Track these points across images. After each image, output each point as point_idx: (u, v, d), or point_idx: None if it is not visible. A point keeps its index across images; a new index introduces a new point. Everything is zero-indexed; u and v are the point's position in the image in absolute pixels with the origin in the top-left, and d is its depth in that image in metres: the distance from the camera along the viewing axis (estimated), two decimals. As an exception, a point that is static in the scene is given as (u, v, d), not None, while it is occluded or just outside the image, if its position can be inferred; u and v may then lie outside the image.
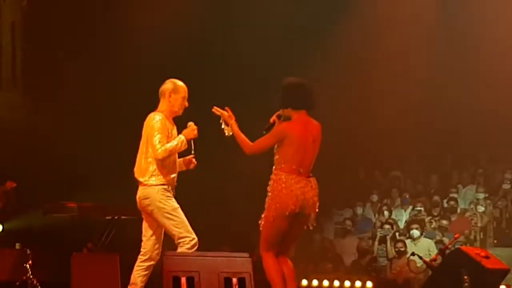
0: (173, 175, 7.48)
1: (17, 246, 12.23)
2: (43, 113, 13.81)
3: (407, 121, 15.42)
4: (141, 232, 11.74)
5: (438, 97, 15.39)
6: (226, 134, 7.28)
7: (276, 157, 6.98)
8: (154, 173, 7.40)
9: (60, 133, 13.55)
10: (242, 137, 7.15)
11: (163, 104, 7.60)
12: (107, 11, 14.63)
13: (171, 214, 7.28)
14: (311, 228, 7.04)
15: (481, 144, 15.19)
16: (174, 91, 7.57)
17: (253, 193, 13.76)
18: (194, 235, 7.29)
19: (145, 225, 7.53)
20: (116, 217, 10.62)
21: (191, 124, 7.59)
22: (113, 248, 10.43)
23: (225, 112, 7.27)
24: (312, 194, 6.91)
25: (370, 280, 12.64)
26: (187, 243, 7.19)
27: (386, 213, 14.45)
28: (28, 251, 11.48)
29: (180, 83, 7.63)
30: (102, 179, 12.87)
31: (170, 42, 14.22)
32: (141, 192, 7.45)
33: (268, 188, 6.96)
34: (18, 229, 12.76)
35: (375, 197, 15.20)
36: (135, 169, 7.55)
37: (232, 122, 7.21)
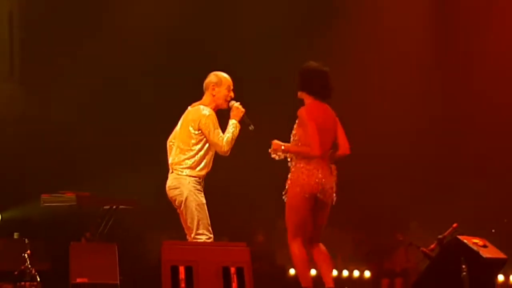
0: (206, 171, 7.41)
1: (16, 235, 12.23)
2: (40, 104, 13.79)
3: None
4: (140, 222, 11.78)
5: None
6: (277, 158, 7.22)
7: (295, 143, 7.03)
8: (190, 166, 7.32)
9: (57, 123, 13.53)
10: (299, 149, 7.06)
11: (207, 98, 7.48)
12: (105, 1, 14.60)
13: (196, 209, 7.24)
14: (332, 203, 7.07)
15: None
16: (217, 84, 7.47)
17: (253, 183, 13.82)
18: (211, 234, 7.27)
19: (182, 219, 7.41)
20: (114, 207, 10.64)
21: (233, 103, 7.48)
22: (111, 238, 10.44)
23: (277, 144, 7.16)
24: (331, 180, 6.99)
25: (368, 269, 12.66)
26: (203, 241, 7.16)
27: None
28: (27, 241, 11.48)
29: (223, 74, 7.53)
30: (100, 168, 12.86)
31: (165, 33, 14.19)
32: (171, 181, 7.37)
33: (289, 175, 7.07)
34: (17, 219, 12.76)
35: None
36: (171, 157, 7.45)
37: (284, 147, 7.10)
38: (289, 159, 7.15)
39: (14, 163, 12.38)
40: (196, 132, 7.32)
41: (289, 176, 7.11)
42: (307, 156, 6.99)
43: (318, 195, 6.96)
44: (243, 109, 7.46)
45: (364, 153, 14.69)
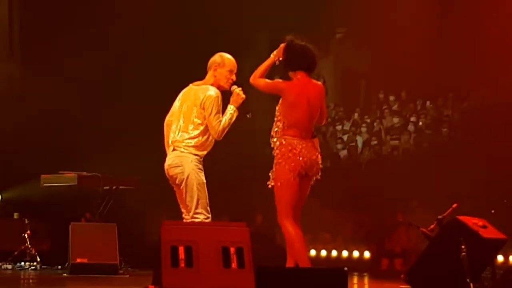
0: (208, 150, 7.34)
1: (16, 216, 12.29)
2: (40, 83, 13.78)
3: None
4: (139, 203, 11.75)
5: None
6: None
7: (278, 122, 7.07)
8: (194, 145, 7.23)
9: (57, 102, 13.52)
10: (264, 67, 7.15)
11: (209, 78, 7.39)
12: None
13: (197, 188, 7.18)
14: (318, 177, 7.11)
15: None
16: (220, 64, 7.37)
17: (253, 164, 13.82)
18: (209, 214, 7.23)
19: (179, 198, 7.33)
20: (114, 187, 10.64)
21: (234, 88, 7.40)
22: (111, 218, 10.45)
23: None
24: (316, 156, 7.02)
25: (368, 249, 12.68)
26: (201, 220, 7.15)
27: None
28: (27, 221, 11.54)
29: (227, 56, 7.43)
30: (100, 148, 12.86)
31: (165, 12, 14.17)
32: (173, 159, 7.25)
33: (274, 153, 7.07)
34: (17, 199, 12.79)
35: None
36: (172, 135, 7.33)
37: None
38: (272, 143, 7.17)
39: (14, 143, 12.38)
40: (202, 112, 7.26)
41: (274, 148, 7.11)
42: (255, 71, 7.15)
43: (304, 168, 6.98)
44: (243, 96, 7.42)
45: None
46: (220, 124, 7.25)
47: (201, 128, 7.27)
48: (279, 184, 7.00)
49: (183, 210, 7.31)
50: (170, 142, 7.36)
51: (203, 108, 7.25)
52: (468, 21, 14.49)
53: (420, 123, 16.60)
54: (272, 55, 7.22)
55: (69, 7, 14.32)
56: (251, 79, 7.18)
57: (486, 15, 14.11)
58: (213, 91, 7.28)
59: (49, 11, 14.43)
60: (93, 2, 14.31)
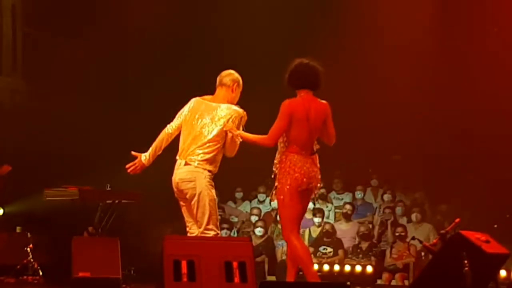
0: (218, 166, 7.38)
1: (18, 229, 12.28)
2: (43, 97, 13.81)
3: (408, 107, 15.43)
4: (141, 217, 11.75)
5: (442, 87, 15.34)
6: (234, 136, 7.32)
7: (280, 138, 7.14)
8: (208, 160, 7.24)
9: (60, 116, 13.55)
10: (252, 137, 7.21)
11: (226, 94, 7.37)
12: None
13: (209, 204, 7.19)
14: (316, 196, 7.28)
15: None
16: (239, 84, 7.41)
17: (252, 176, 13.82)
18: (219, 230, 7.25)
19: (186, 212, 7.38)
20: (117, 201, 10.64)
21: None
22: (114, 232, 10.44)
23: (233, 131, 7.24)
24: (315, 172, 7.07)
25: (370, 264, 12.64)
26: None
27: (386, 197, 14.42)
28: (29, 235, 11.54)
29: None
30: (103, 162, 12.87)
31: (167, 26, 14.22)
32: (186, 173, 7.24)
33: (275, 169, 7.20)
34: (19, 213, 12.78)
35: (375, 182, 15.16)
36: (184, 148, 7.32)
37: (238, 133, 7.23)
38: (276, 161, 7.26)
39: (16, 157, 12.39)
40: (224, 129, 7.23)
41: (276, 173, 7.20)
42: (259, 144, 7.15)
43: (303, 183, 7.07)
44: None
45: (365, 147, 14.73)
46: (238, 143, 7.31)
47: (219, 145, 7.27)
48: (281, 199, 7.10)
49: (188, 224, 7.32)
50: (179, 155, 7.34)
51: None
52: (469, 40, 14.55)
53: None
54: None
55: (71, 21, 14.36)
56: (268, 142, 7.15)
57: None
58: (239, 109, 7.30)
59: (52, 25, 14.47)
60: (96, 16, 14.35)
